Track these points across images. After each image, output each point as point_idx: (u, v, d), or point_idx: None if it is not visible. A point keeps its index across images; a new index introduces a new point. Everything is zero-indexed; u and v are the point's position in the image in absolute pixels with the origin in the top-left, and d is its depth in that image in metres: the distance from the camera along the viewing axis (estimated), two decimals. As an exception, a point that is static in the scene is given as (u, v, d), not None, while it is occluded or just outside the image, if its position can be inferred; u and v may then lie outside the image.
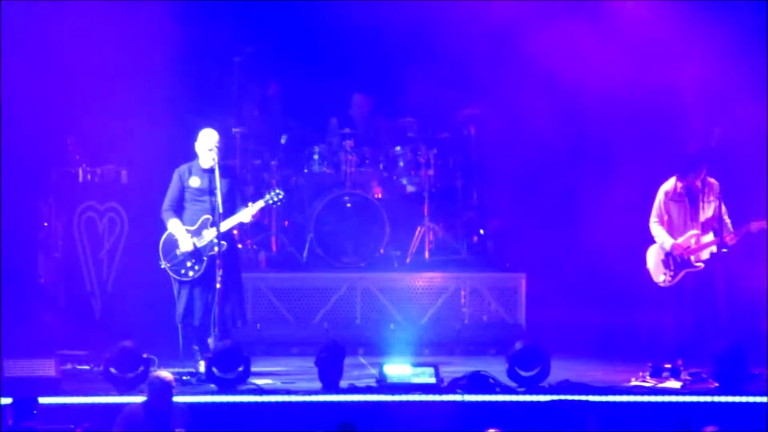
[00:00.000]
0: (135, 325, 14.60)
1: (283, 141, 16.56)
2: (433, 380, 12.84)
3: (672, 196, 13.70)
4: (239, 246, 14.24)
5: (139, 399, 11.63)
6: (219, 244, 13.27)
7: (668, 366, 13.43)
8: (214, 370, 12.87)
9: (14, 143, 14.90)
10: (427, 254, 16.35)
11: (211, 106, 16.45)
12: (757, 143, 15.52)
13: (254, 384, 12.96)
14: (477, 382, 12.87)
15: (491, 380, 12.91)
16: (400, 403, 12.51)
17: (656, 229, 13.74)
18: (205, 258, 13.37)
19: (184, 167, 13.58)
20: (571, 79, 16.06)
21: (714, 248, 13.57)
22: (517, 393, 12.81)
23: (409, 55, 16.92)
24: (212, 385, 12.89)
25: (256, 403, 12.47)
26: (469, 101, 17.03)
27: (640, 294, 15.40)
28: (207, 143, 13.44)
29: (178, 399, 11.55)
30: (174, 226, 13.44)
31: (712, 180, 13.73)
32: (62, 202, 15.13)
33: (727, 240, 13.49)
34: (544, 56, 16.12)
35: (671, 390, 13.12)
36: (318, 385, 12.93)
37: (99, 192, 15.25)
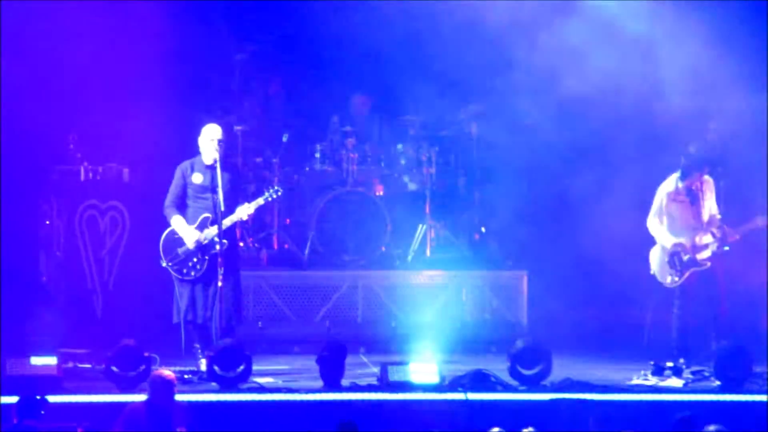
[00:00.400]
0: (136, 324, 14.61)
1: (284, 139, 16.56)
2: (434, 378, 12.83)
3: (674, 197, 13.66)
4: (240, 244, 14.23)
5: (140, 397, 11.62)
6: (221, 243, 13.26)
7: (670, 364, 13.43)
8: (216, 368, 12.87)
9: (16, 142, 14.90)
10: (428, 252, 16.35)
11: (213, 104, 16.45)
12: (754, 137, 15.48)
13: (256, 382, 12.95)
14: (479, 380, 12.87)
15: (493, 378, 12.91)
16: (402, 401, 12.49)
17: (656, 229, 13.68)
18: (206, 257, 13.36)
19: (186, 163, 13.57)
20: (571, 77, 16.05)
21: (715, 246, 13.55)
22: (518, 391, 12.81)
23: (412, 52, 16.91)
24: (214, 384, 12.88)
25: (258, 402, 12.47)
26: (471, 99, 17.01)
27: (642, 292, 15.39)
28: (209, 137, 13.43)
29: (179, 397, 11.54)
30: (177, 223, 13.43)
31: (707, 177, 13.71)
32: (64, 201, 15.13)
33: (730, 237, 13.48)
34: (547, 54, 16.10)
35: (673, 388, 13.12)
36: (319, 383, 12.93)
37: (100, 190, 15.24)
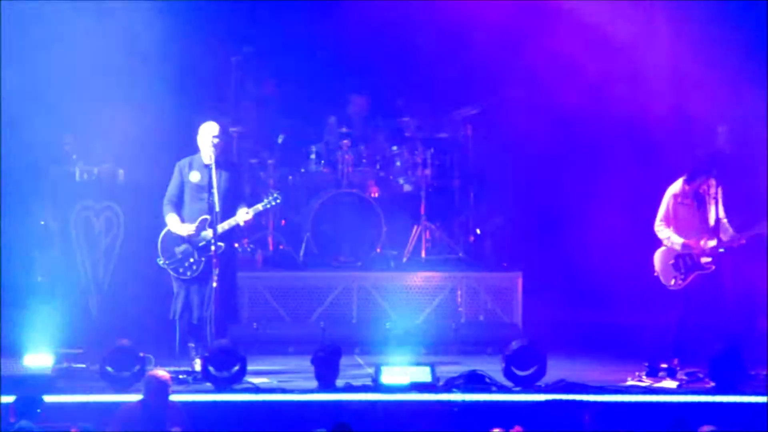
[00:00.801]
0: (131, 324, 14.60)
1: (280, 140, 16.57)
2: (429, 379, 12.84)
3: (681, 200, 13.65)
4: (236, 245, 14.22)
5: (135, 397, 11.63)
6: (216, 245, 13.27)
7: (664, 366, 13.44)
8: (211, 368, 12.87)
9: (11, 142, 14.90)
10: (423, 254, 16.35)
11: (209, 105, 16.45)
12: (754, 140, 15.50)
13: (250, 383, 12.96)
14: (473, 381, 12.88)
15: (487, 379, 12.92)
16: (396, 402, 12.50)
17: (663, 231, 13.67)
18: (203, 257, 13.36)
19: (185, 161, 13.58)
20: (567, 78, 16.07)
21: (722, 249, 13.56)
22: (513, 392, 12.82)
23: (407, 54, 16.93)
24: (208, 384, 12.88)
25: (253, 402, 12.47)
26: (467, 101, 17.02)
27: (637, 293, 15.41)
28: (206, 135, 13.44)
29: (174, 398, 11.54)
30: (171, 222, 13.44)
31: (713, 181, 13.71)
32: (59, 201, 15.12)
33: (736, 242, 13.48)
34: (541, 57, 16.12)
35: (667, 390, 13.13)
36: (314, 384, 12.93)
37: (96, 191, 15.23)
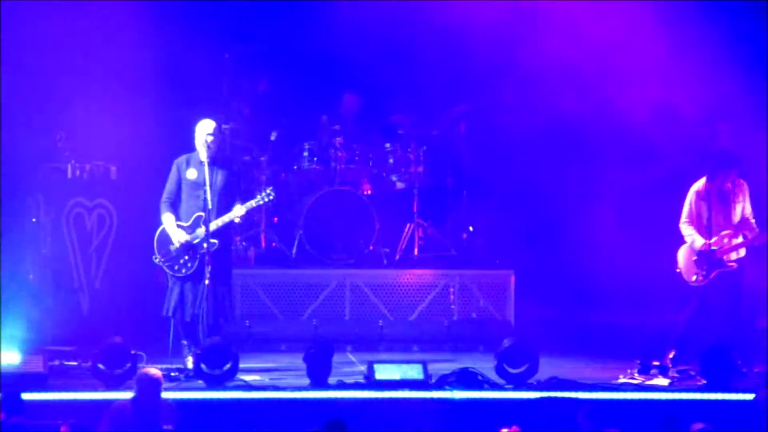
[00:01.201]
0: (123, 322, 14.58)
1: (272, 137, 16.55)
2: (421, 377, 12.84)
3: (702, 197, 13.67)
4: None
5: (127, 395, 11.61)
6: (208, 241, 13.26)
7: (656, 363, 13.46)
8: (203, 366, 12.86)
9: (3, 139, 14.87)
10: (416, 251, 16.35)
11: (202, 102, 16.42)
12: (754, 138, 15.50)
13: (242, 380, 12.95)
14: (465, 378, 12.88)
15: (480, 377, 12.92)
16: (389, 399, 12.49)
17: (686, 228, 13.70)
18: (197, 255, 13.35)
19: (182, 158, 13.57)
20: (560, 76, 16.07)
21: (743, 250, 13.58)
22: (505, 390, 12.82)
23: (400, 52, 16.92)
24: (200, 382, 12.87)
25: (245, 400, 12.46)
26: (460, 98, 17.02)
27: (629, 292, 15.42)
28: (201, 132, 13.43)
29: (166, 395, 11.53)
30: (166, 221, 13.43)
31: (742, 180, 13.73)
32: (51, 198, 15.09)
33: (760, 240, 13.50)
34: (535, 54, 16.12)
35: (659, 387, 13.14)
36: (306, 381, 12.93)
37: (88, 188, 15.20)
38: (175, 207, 13.48)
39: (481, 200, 16.87)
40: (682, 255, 13.73)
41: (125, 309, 14.85)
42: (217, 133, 13.54)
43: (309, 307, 15.70)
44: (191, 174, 13.47)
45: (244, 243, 16.19)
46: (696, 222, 13.63)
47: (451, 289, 15.84)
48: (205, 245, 13.26)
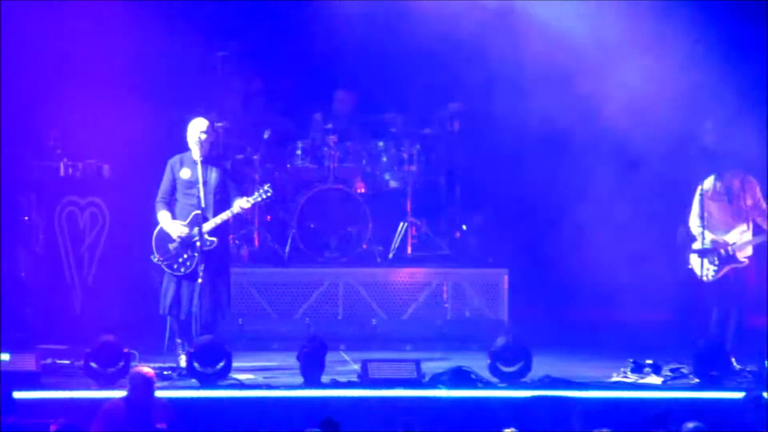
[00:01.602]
0: (116, 320, 14.56)
1: (265, 136, 16.53)
2: (414, 375, 12.83)
3: (711, 195, 13.77)
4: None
5: (119, 394, 11.59)
6: (202, 239, 13.23)
7: (649, 362, 13.47)
8: (196, 365, 12.85)
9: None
10: (409, 250, 16.35)
11: (195, 100, 16.40)
12: (751, 136, 15.50)
13: (235, 379, 12.94)
14: (459, 377, 12.88)
15: (473, 375, 12.92)
16: (382, 398, 12.49)
17: (696, 228, 13.77)
18: (196, 253, 13.33)
19: (176, 158, 13.55)
20: (555, 74, 16.06)
21: (750, 248, 13.64)
22: (498, 388, 12.82)
23: (393, 50, 16.90)
24: (193, 380, 12.86)
25: (238, 398, 12.45)
26: (453, 97, 17.01)
27: (623, 290, 15.42)
28: (194, 131, 13.41)
29: (159, 394, 11.51)
30: (163, 219, 13.41)
31: (752, 178, 13.79)
32: (43, 197, 15.08)
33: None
34: (529, 55, 16.11)
35: (652, 386, 13.15)
36: (299, 380, 12.92)
37: (80, 186, 15.20)
38: (170, 207, 13.46)
39: (474, 199, 16.87)
40: (691, 253, 13.79)
41: (118, 307, 14.84)
42: (210, 131, 13.52)
43: (302, 305, 15.69)
44: (185, 173, 13.45)
45: (237, 241, 16.18)
46: (705, 220, 13.68)
47: (445, 288, 15.84)
48: (198, 243, 13.23)
